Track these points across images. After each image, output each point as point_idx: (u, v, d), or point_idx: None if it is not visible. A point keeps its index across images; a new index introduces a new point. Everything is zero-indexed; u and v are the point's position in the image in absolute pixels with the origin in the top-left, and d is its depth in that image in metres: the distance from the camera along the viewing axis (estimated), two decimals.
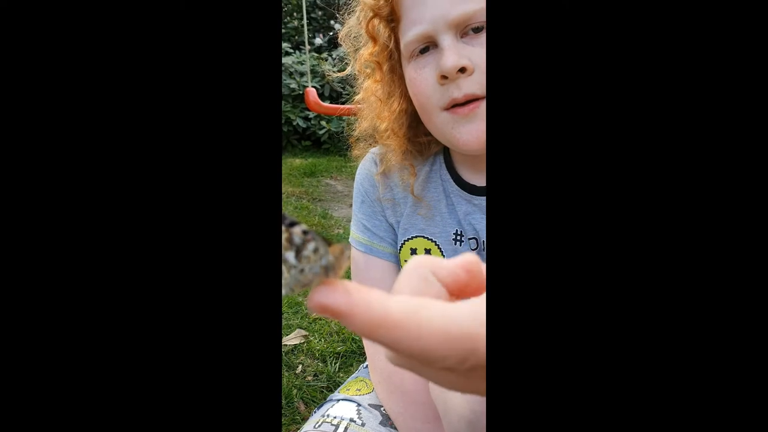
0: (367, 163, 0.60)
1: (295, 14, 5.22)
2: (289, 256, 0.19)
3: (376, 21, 0.51)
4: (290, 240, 0.19)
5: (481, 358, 0.17)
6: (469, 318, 0.18)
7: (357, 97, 0.60)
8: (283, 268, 0.19)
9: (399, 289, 0.21)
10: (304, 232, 0.19)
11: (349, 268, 0.60)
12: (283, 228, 0.19)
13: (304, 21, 2.36)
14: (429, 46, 0.47)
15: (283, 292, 0.19)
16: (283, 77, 4.21)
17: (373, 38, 0.52)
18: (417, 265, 0.21)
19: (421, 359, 0.18)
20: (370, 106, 0.57)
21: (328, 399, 0.61)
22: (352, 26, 0.56)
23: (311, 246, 0.19)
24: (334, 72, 0.60)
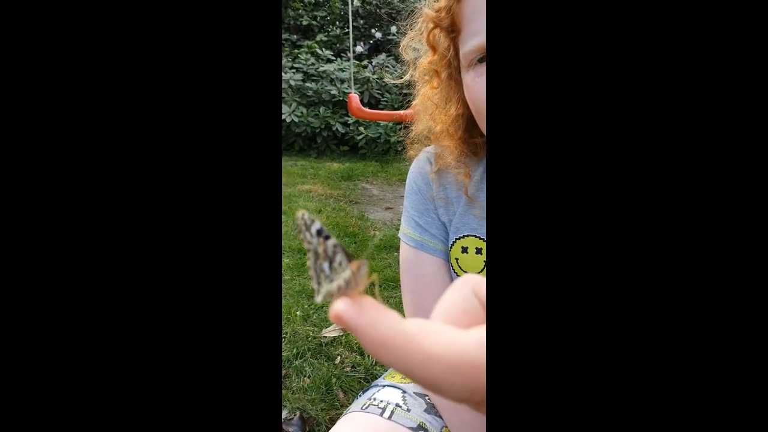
0: (420, 162, 0.62)
1: (337, 23, 5.34)
2: (325, 266, 0.20)
3: (436, 32, 0.54)
4: (326, 251, 0.20)
5: None
6: (475, 347, 0.17)
7: (414, 102, 0.63)
8: (322, 277, 0.20)
9: (441, 302, 0.21)
10: (334, 246, 0.20)
11: (398, 264, 0.63)
12: (320, 240, 0.20)
13: (350, 29, 2.43)
14: None
15: (319, 299, 0.21)
16: (324, 84, 4.31)
17: (433, 48, 0.56)
18: (464, 282, 0.21)
19: (426, 386, 0.17)
20: (427, 111, 0.60)
21: (373, 384, 0.64)
22: (413, 36, 0.60)
23: (338, 258, 0.20)
24: (392, 80, 0.64)
